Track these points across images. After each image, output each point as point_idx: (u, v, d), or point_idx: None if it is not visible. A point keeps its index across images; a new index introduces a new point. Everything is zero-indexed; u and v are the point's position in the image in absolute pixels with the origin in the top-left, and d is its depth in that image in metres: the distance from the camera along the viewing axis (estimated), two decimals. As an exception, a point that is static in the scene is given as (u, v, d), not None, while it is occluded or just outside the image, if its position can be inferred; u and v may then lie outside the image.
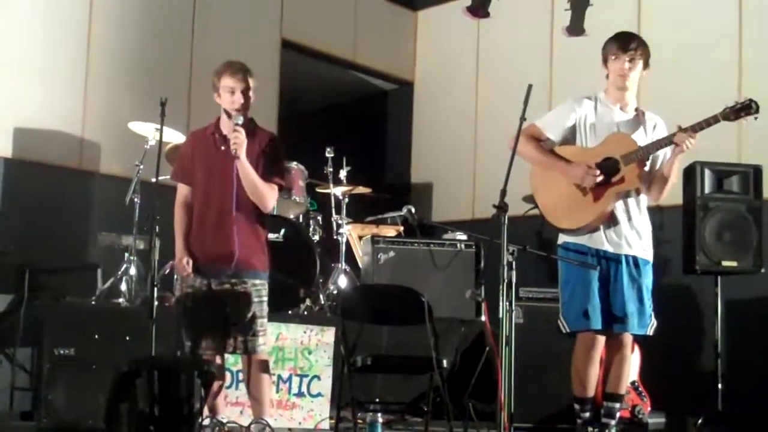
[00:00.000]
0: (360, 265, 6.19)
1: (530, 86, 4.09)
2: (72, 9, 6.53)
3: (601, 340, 4.41)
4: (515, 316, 4.08)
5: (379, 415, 4.69)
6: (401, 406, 5.25)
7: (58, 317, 4.83)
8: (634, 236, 4.43)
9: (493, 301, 4.09)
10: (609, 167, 4.36)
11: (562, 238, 4.51)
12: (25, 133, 6.22)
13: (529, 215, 4.59)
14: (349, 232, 6.66)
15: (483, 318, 4.86)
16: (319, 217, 6.58)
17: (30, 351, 4.82)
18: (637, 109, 4.53)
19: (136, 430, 3.76)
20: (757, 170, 5.58)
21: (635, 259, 4.42)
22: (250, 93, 4.35)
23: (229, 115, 4.34)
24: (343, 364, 4.46)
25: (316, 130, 8.22)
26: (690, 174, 5.57)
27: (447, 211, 8.18)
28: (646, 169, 4.41)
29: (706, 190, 5.54)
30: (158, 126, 4.68)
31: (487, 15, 7.15)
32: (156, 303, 4.16)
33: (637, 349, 5.20)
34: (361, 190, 6.82)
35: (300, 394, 5.21)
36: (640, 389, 5.47)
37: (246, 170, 4.25)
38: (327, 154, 6.58)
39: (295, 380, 5.21)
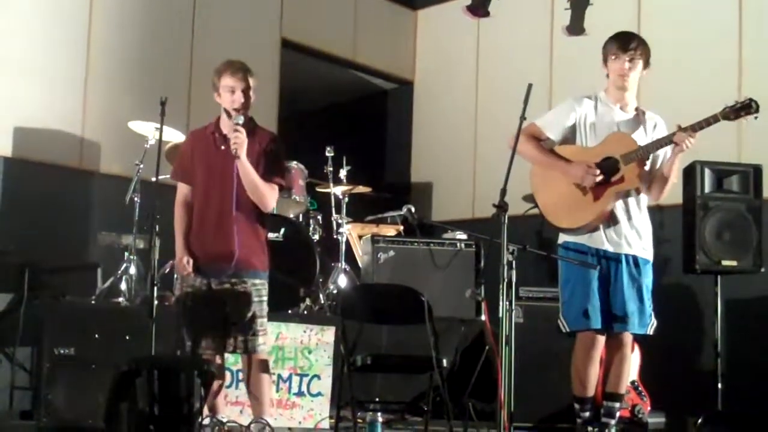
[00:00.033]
0: (360, 265, 6.18)
1: (530, 85, 4.09)
2: (72, 9, 6.53)
3: (601, 339, 4.41)
4: (515, 316, 4.08)
5: (379, 414, 4.68)
6: (401, 406, 5.25)
7: (58, 316, 4.83)
8: (634, 236, 4.42)
9: (493, 300, 4.09)
10: (609, 167, 4.36)
11: (562, 238, 4.51)
12: (25, 133, 6.22)
13: (529, 215, 4.59)
14: (349, 231, 6.66)
15: (483, 317, 4.85)
16: (319, 217, 6.57)
17: (30, 350, 4.82)
18: (637, 109, 4.53)
19: (136, 429, 3.76)
20: (757, 170, 5.58)
21: (635, 259, 4.41)
22: (251, 92, 4.35)
23: (229, 115, 4.33)
24: (343, 364, 4.45)
25: (316, 130, 8.21)
26: (690, 173, 5.57)
27: (447, 210, 8.18)
28: (646, 168, 4.41)
29: (706, 189, 5.54)
30: (158, 125, 4.68)
31: (487, 14, 7.16)
32: (156, 302, 4.16)
33: (637, 348, 5.20)
34: (361, 189, 6.82)
35: (300, 394, 5.21)
36: (640, 389, 5.47)
37: (246, 170, 4.25)
38: (327, 154, 6.58)
39: (295, 380, 5.21)
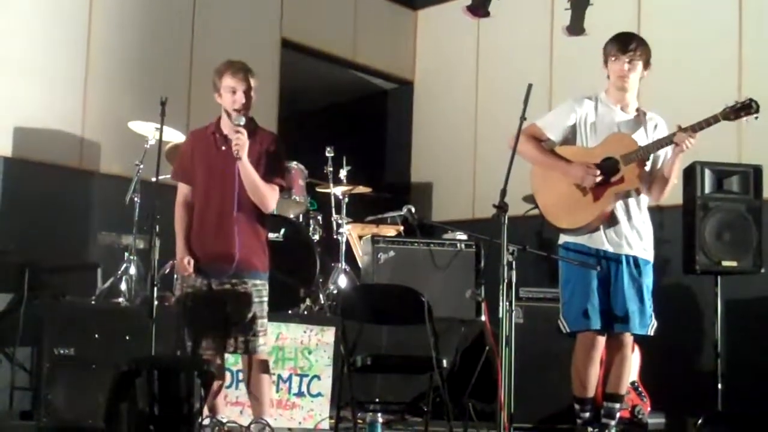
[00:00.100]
0: (360, 265, 6.18)
1: (530, 86, 4.09)
2: (72, 9, 6.52)
3: (601, 340, 4.41)
4: (515, 316, 4.08)
5: (379, 415, 4.69)
6: (401, 406, 5.25)
7: (58, 316, 4.82)
8: (635, 236, 4.42)
9: (493, 301, 4.09)
10: (609, 167, 4.36)
11: (563, 238, 4.51)
12: (25, 133, 6.22)
13: (529, 215, 4.59)
14: (349, 231, 6.66)
15: (483, 318, 4.85)
16: (319, 217, 6.57)
17: (30, 350, 4.81)
18: (638, 110, 4.52)
19: (136, 429, 3.76)
20: (757, 170, 5.58)
21: (635, 259, 4.41)
22: (252, 93, 4.35)
23: (230, 115, 4.33)
24: (343, 364, 4.45)
25: (316, 130, 8.22)
26: (690, 174, 5.57)
27: (447, 210, 8.18)
28: (647, 169, 4.41)
29: (706, 190, 5.53)
30: (158, 125, 4.68)
31: (487, 14, 7.15)
32: (156, 302, 4.15)
33: (637, 349, 5.20)
34: (361, 189, 6.82)
35: (300, 394, 5.21)
36: (640, 389, 5.47)
37: (247, 171, 4.25)
38: (327, 154, 6.58)
39: (295, 380, 5.21)
